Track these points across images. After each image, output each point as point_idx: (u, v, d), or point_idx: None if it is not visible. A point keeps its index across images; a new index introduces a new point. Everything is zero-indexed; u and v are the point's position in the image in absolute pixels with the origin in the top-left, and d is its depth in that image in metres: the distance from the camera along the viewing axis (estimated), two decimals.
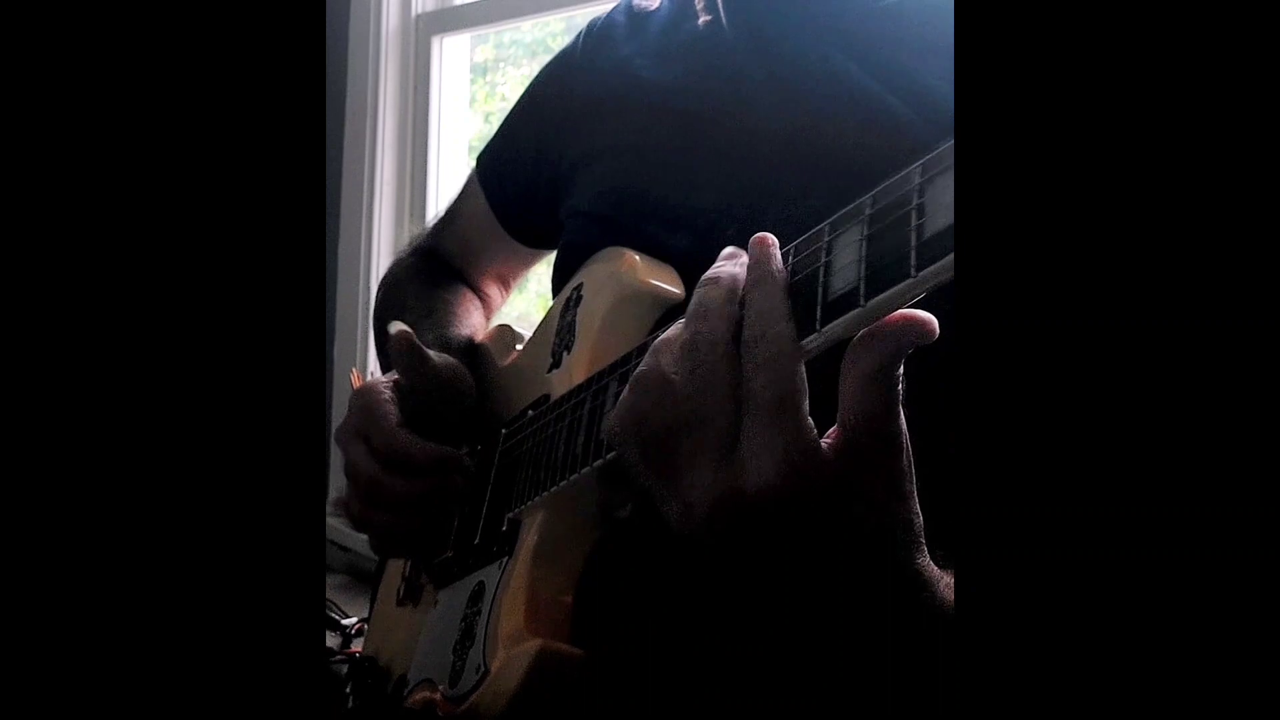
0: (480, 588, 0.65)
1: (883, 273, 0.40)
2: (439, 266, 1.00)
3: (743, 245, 0.48)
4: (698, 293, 0.46)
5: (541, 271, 1.03)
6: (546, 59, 0.94)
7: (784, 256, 0.46)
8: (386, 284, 1.00)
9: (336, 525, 1.64)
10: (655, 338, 0.50)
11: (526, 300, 1.60)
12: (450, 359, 0.78)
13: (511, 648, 0.57)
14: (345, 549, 1.65)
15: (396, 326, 0.74)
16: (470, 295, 0.97)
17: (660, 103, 0.76)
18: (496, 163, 0.94)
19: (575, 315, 0.69)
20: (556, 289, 0.79)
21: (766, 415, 0.42)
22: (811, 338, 0.42)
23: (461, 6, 1.84)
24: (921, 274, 0.38)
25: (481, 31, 1.87)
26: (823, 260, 0.43)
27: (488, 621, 0.61)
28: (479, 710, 0.58)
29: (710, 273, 0.47)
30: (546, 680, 0.55)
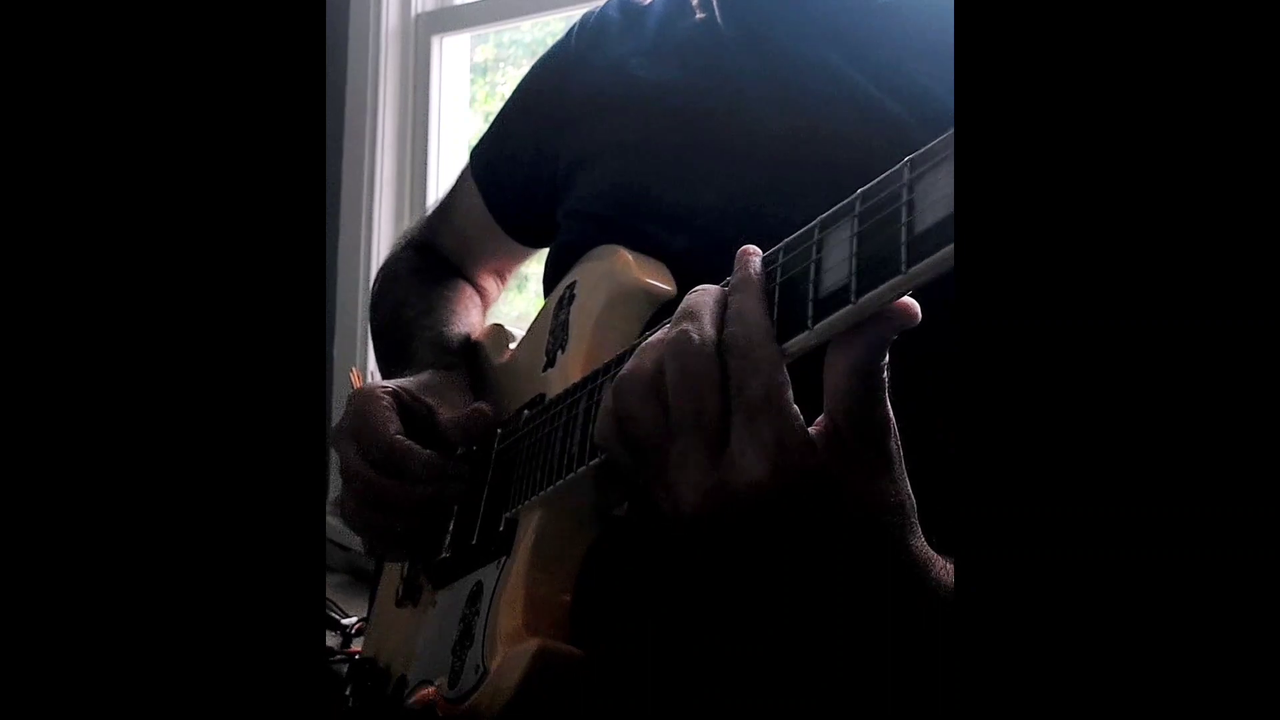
0: (479, 588, 0.65)
1: (873, 270, 0.40)
2: (435, 261, 0.99)
3: (738, 245, 0.49)
4: (686, 298, 0.47)
5: (541, 271, 1.03)
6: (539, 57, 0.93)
7: (775, 255, 0.46)
8: (383, 279, 1.00)
9: (336, 525, 1.63)
10: (648, 335, 0.51)
11: (525, 300, 1.60)
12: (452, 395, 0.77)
13: (510, 647, 0.57)
14: (345, 549, 1.65)
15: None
16: (469, 291, 0.96)
17: (657, 102, 0.76)
18: (492, 161, 0.94)
19: (568, 314, 0.69)
20: (550, 289, 0.79)
21: (753, 411, 0.43)
22: (803, 335, 0.43)
23: (461, 6, 1.84)
24: (911, 270, 0.38)
25: (481, 31, 1.87)
26: (813, 258, 0.44)
27: (486, 621, 0.61)
28: (479, 710, 0.58)
29: (696, 287, 0.48)
30: (545, 680, 0.55)
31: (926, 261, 0.38)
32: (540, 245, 0.95)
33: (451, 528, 0.73)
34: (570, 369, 0.66)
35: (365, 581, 1.54)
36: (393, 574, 0.85)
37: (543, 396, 0.68)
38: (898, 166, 0.41)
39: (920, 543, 0.46)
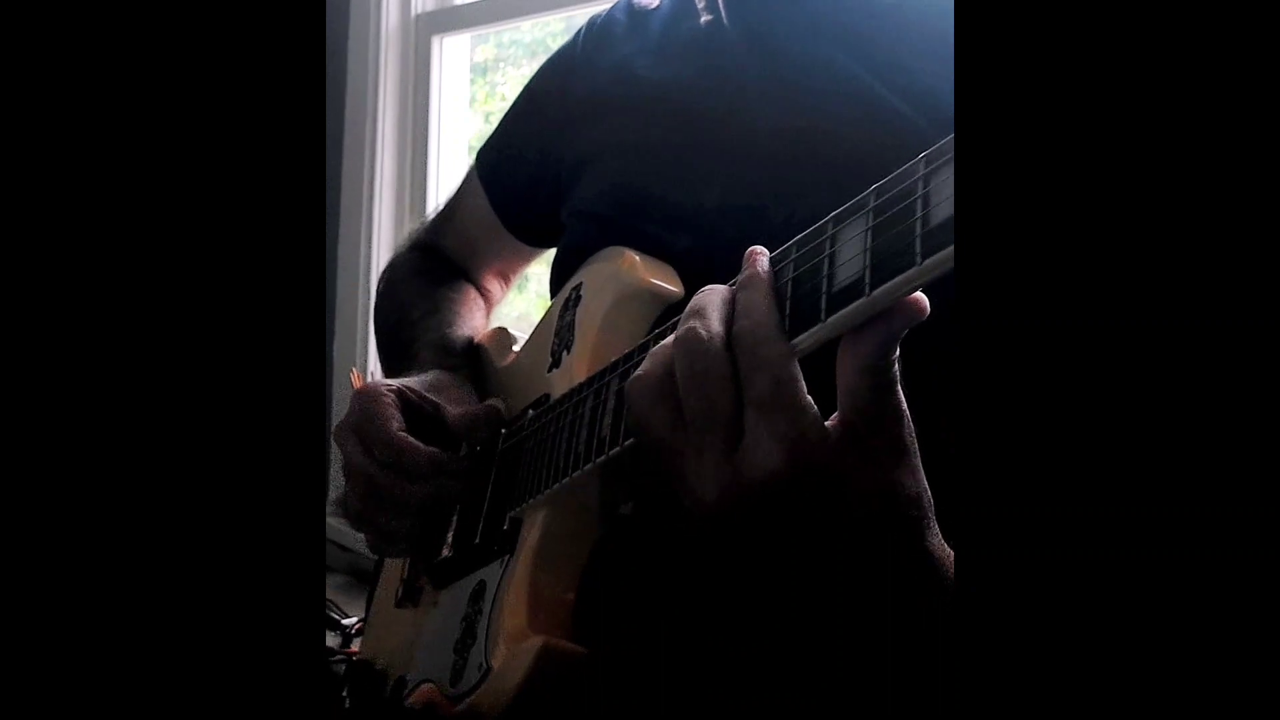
0: (481, 586, 0.65)
1: (888, 263, 0.40)
2: (440, 263, 0.99)
3: (744, 244, 0.49)
4: (695, 297, 0.47)
5: (541, 272, 1.03)
6: (546, 59, 0.93)
7: (787, 252, 0.47)
8: (387, 280, 1.00)
9: (336, 525, 1.64)
10: (655, 336, 0.51)
11: (526, 300, 1.60)
12: (459, 393, 0.77)
13: (514, 646, 0.57)
14: (345, 549, 1.65)
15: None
16: (473, 292, 0.96)
17: (661, 102, 0.76)
18: (497, 161, 0.94)
19: (575, 315, 0.69)
20: (555, 289, 0.79)
21: (765, 405, 0.43)
22: (816, 328, 0.43)
23: (461, 6, 1.84)
24: (927, 262, 0.38)
25: (481, 31, 1.87)
26: (827, 252, 0.44)
27: (489, 620, 0.61)
28: (480, 708, 0.58)
29: (709, 286, 0.48)
30: (549, 678, 0.55)
31: (942, 254, 0.38)
32: (544, 246, 0.95)
33: (454, 527, 0.73)
34: (576, 369, 0.66)
35: (366, 582, 1.54)
36: (392, 576, 0.84)
37: (547, 396, 0.68)
38: (913, 162, 0.41)
39: (938, 539, 0.47)
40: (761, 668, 0.56)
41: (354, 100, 1.86)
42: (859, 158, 0.64)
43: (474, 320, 0.91)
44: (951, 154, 0.39)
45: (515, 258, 0.99)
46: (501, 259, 0.99)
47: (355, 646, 1.32)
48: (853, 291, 0.42)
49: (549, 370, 0.70)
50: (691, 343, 0.45)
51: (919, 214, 0.39)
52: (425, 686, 0.67)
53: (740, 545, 0.47)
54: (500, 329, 0.89)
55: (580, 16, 0.96)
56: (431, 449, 0.69)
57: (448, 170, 1.85)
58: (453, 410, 0.72)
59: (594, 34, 0.87)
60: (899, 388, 0.43)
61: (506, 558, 0.64)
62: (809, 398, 0.44)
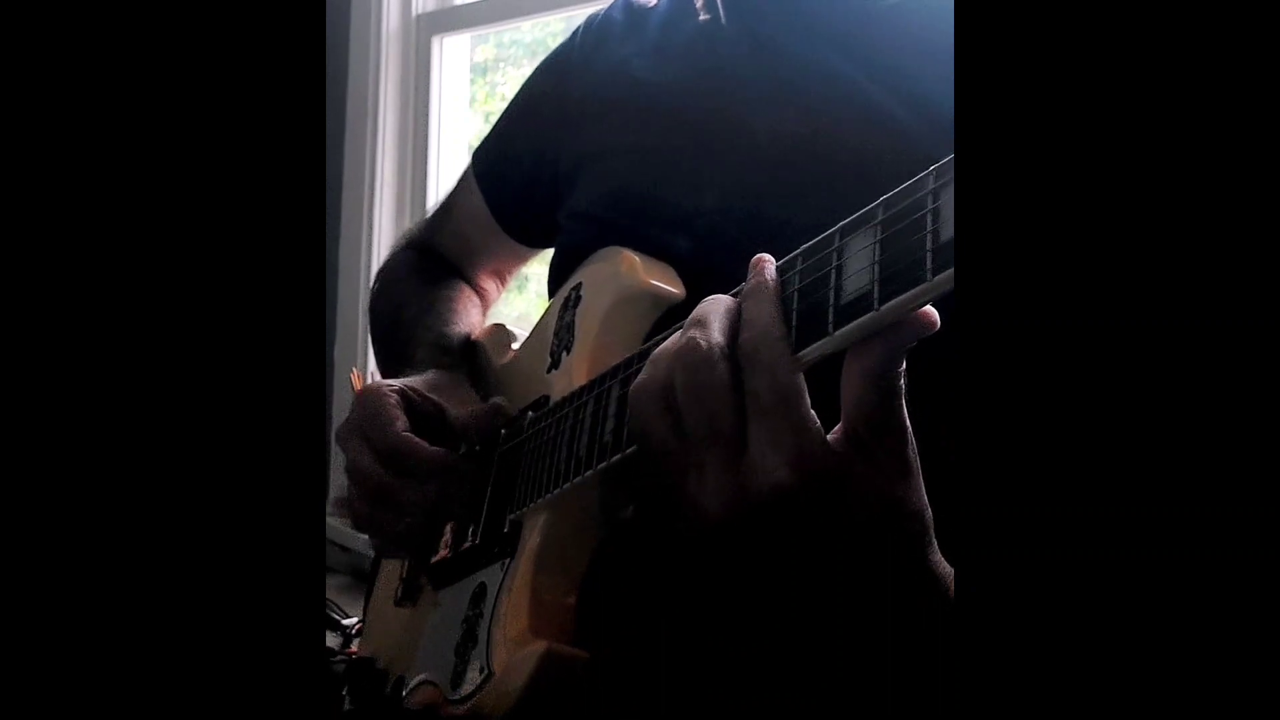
0: (482, 589, 0.65)
1: (897, 277, 0.40)
2: (436, 262, 0.99)
3: (742, 246, 0.49)
4: (698, 307, 0.47)
5: (541, 271, 1.03)
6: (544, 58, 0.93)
7: (793, 262, 0.46)
8: (383, 279, 1.00)
9: (336, 525, 1.64)
10: (655, 338, 0.50)
11: (526, 300, 1.60)
12: (465, 395, 0.77)
13: (516, 650, 0.57)
14: (346, 549, 1.65)
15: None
16: (469, 291, 0.96)
17: (659, 103, 0.76)
18: (494, 162, 0.94)
19: (574, 316, 0.69)
20: (554, 290, 0.79)
21: (769, 416, 0.43)
22: (822, 341, 0.43)
23: (461, 6, 1.84)
24: (937, 278, 0.38)
25: (481, 31, 1.87)
26: (834, 264, 0.44)
27: (490, 623, 0.61)
28: (481, 712, 0.58)
29: (714, 296, 0.48)
30: (551, 682, 0.55)
31: (952, 270, 0.38)
32: (541, 246, 0.95)
33: (452, 527, 0.73)
34: (575, 371, 0.65)
35: (365, 582, 1.54)
36: (391, 574, 0.84)
37: (546, 398, 0.68)
38: (922, 175, 0.41)
39: (938, 555, 0.47)
40: (762, 674, 0.56)
41: (354, 100, 1.86)
42: (856, 162, 0.64)
43: (470, 318, 0.91)
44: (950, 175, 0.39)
45: (511, 257, 0.99)
46: (497, 258, 0.99)
47: (355, 646, 1.32)
48: (861, 305, 0.41)
49: (548, 371, 0.70)
50: (691, 354, 0.45)
51: (929, 228, 0.39)
52: (426, 688, 0.67)
53: (743, 557, 0.47)
54: (498, 326, 0.89)
55: (580, 17, 0.96)
56: (437, 449, 0.69)
57: (448, 170, 1.85)
58: (455, 411, 0.72)
59: (591, 34, 0.87)
60: (903, 401, 0.43)
61: (507, 560, 0.63)
62: (812, 411, 0.43)
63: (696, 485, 0.45)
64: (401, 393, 0.72)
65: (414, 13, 1.88)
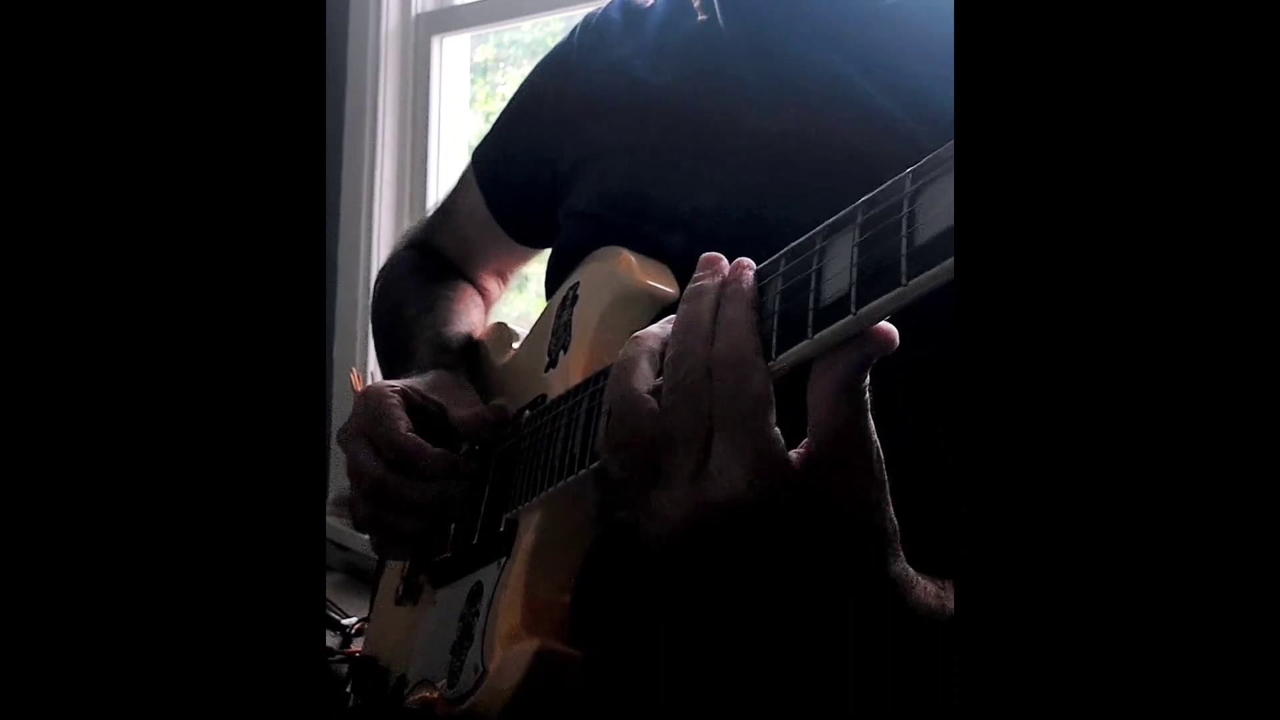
0: (478, 588, 0.65)
1: (873, 281, 0.40)
2: (437, 261, 0.99)
3: (740, 246, 0.49)
4: (682, 308, 0.47)
5: (541, 271, 1.03)
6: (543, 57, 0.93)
7: (775, 265, 0.47)
8: (384, 279, 1.00)
9: (336, 525, 1.64)
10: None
11: (526, 300, 1.60)
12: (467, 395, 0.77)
13: (509, 648, 0.57)
14: (345, 549, 1.65)
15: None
16: (470, 290, 0.96)
17: (658, 103, 0.76)
18: (493, 162, 0.94)
19: (571, 315, 0.69)
20: (551, 290, 0.79)
21: (734, 429, 0.43)
22: (800, 345, 0.43)
23: (461, 6, 1.84)
24: (912, 282, 0.38)
25: (481, 31, 1.87)
26: (814, 267, 0.44)
27: (486, 622, 0.61)
28: (477, 710, 0.58)
29: (693, 286, 0.48)
30: (544, 681, 0.55)
31: (927, 274, 0.38)
32: (540, 246, 0.95)
33: (452, 527, 0.73)
34: (572, 370, 0.66)
35: (365, 582, 1.54)
36: (393, 573, 0.85)
37: (544, 397, 0.68)
38: (899, 177, 0.41)
39: (901, 564, 0.47)
40: (734, 677, 0.56)
41: (354, 100, 1.86)
42: (854, 161, 0.64)
43: (471, 317, 0.91)
44: (937, 170, 0.39)
45: (511, 257, 0.99)
46: (498, 258, 0.99)
47: (355, 646, 1.32)
48: (838, 309, 0.42)
49: (545, 370, 0.70)
50: (683, 358, 0.45)
51: (904, 232, 0.39)
52: (425, 687, 0.67)
53: (703, 564, 0.47)
54: (500, 324, 0.89)
55: (580, 17, 0.96)
56: (440, 450, 0.69)
57: (448, 170, 1.85)
58: (456, 411, 0.72)
59: (589, 33, 0.87)
60: (869, 415, 0.44)
61: (503, 560, 0.64)
62: (775, 427, 0.44)
63: (661, 493, 0.46)
64: (403, 393, 0.72)
65: (414, 13, 1.88)
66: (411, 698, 0.69)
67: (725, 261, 0.48)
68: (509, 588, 0.60)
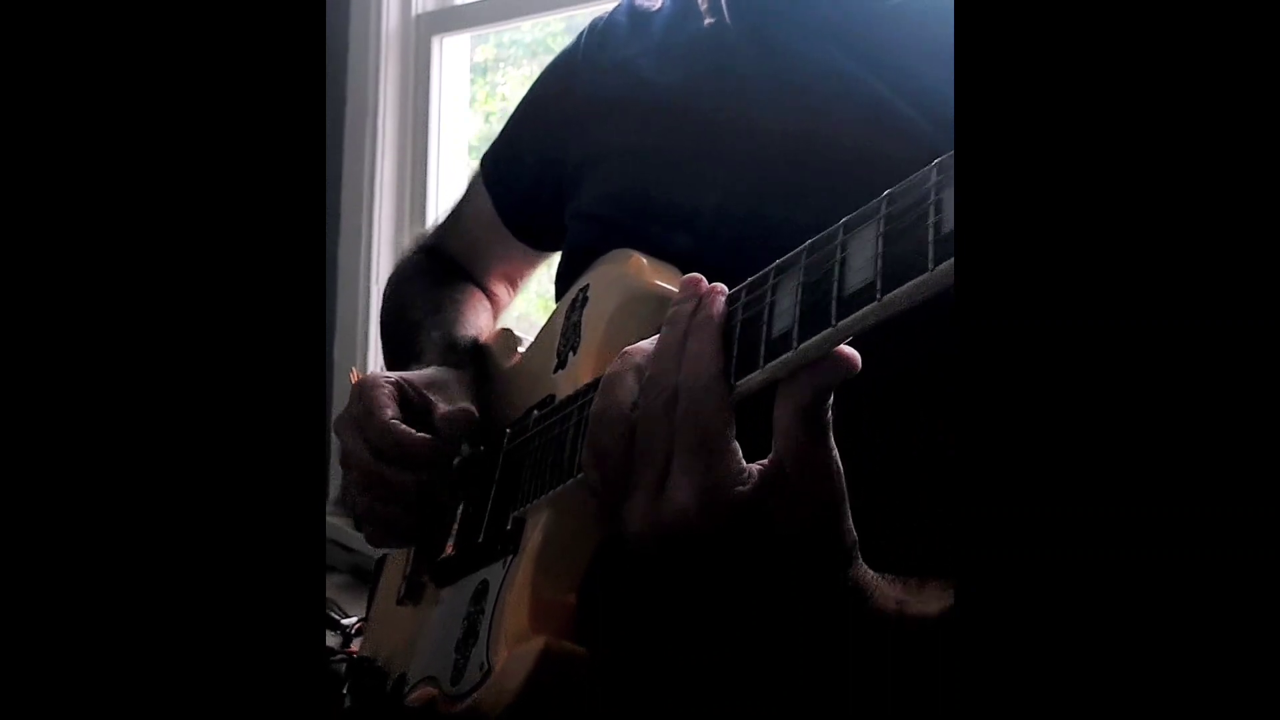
0: (484, 586, 0.65)
1: (811, 317, 0.43)
2: (446, 266, 1.00)
3: (746, 246, 0.49)
4: (662, 331, 0.50)
5: (541, 272, 1.03)
6: (547, 59, 0.94)
7: (745, 288, 0.48)
8: (393, 282, 1.01)
9: (337, 525, 1.64)
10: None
11: (526, 301, 1.60)
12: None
13: (515, 646, 0.57)
14: (346, 549, 1.65)
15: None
16: (478, 294, 0.97)
17: (664, 104, 0.76)
18: (501, 165, 0.94)
19: (581, 316, 0.69)
20: (560, 291, 0.79)
21: (691, 452, 0.46)
22: (756, 374, 0.44)
23: (461, 6, 1.84)
24: (887, 296, 0.40)
25: (481, 31, 1.87)
26: (768, 301, 0.46)
27: (491, 620, 0.61)
28: (481, 708, 0.58)
29: (672, 310, 0.50)
30: (550, 679, 0.55)
31: (903, 289, 0.39)
32: (548, 249, 0.95)
33: (457, 525, 0.73)
34: (581, 371, 0.66)
35: (366, 581, 1.54)
36: (394, 572, 0.85)
37: (553, 397, 0.69)
38: (881, 197, 0.43)
39: (860, 573, 0.49)
40: (720, 679, 0.58)
41: (354, 100, 1.86)
42: (863, 161, 0.64)
43: (479, 320, 0.92)
44: (881, 211, 0.41)
45: (520, 261, 0.99)
46: (506, 262, 0.99)
47: (355, 646, 1.31)
48: (784, 343, 0.44)
49: (555, 371, 0.71)
50: (657, 380, 0.48)
51: (877, 251, 0.41)
52: (427, 685, 0.67)
53: (672, 577, 0.50)
54: (505, 330, 0.89)
55: (580, 17, 0.96)
56: (422, 436, 0.70)
57: (448, 170, 1.85)
58: (441, 407, 0.73)
59: (596, 36, 0.88)
60: (830, 437, 0.45)
61: (509, 558, 0.64)
62: (735, 449, 0.46)
63: (628, 506, 0.48)
64: (397, 384, 0.73)
65: (414, 13, 1.88)
66: (412, 695, 0.69)
67: (705, 284, 0.50)
68: (515, 586, 0.60)
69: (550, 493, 0.61)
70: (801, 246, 0.46)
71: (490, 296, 0.99)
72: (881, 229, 0.41)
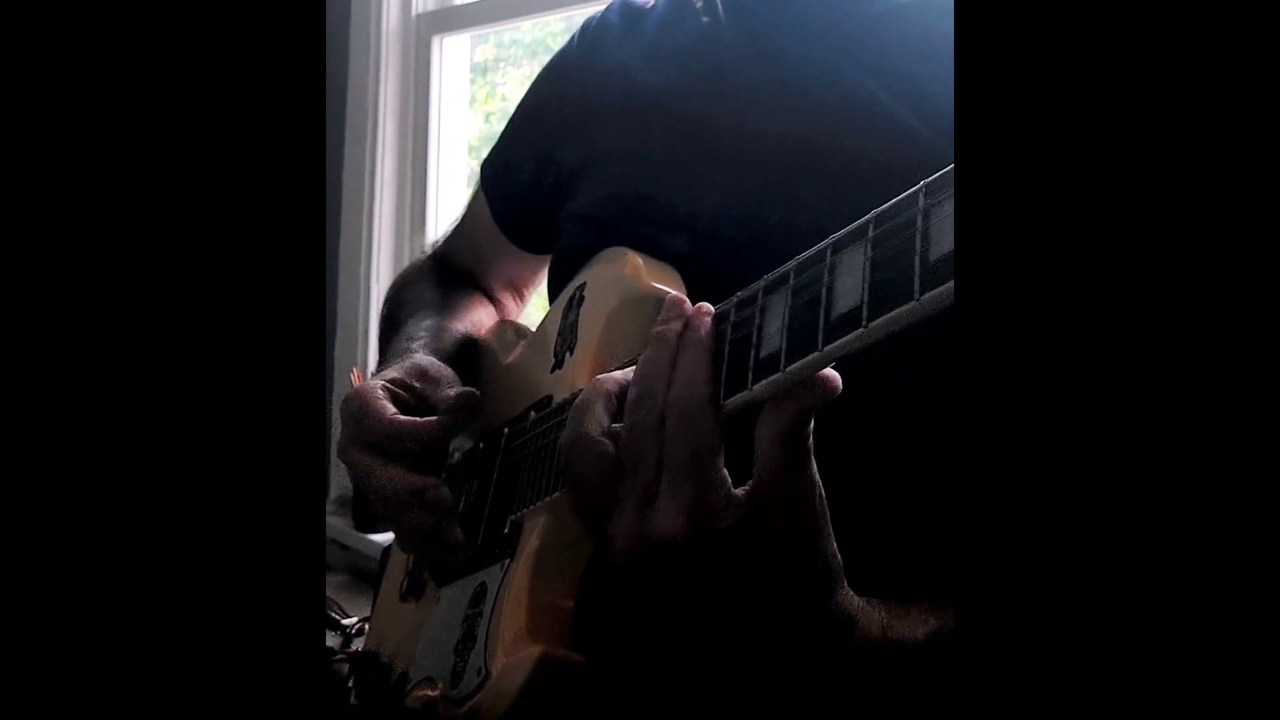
0: (482, 589, 0.65)
1: (797, 340, 0.43)
2: (451, 270, 1.00)
3: (741, 248, 0.49)
4: (646, 352, 0.50)
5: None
6: (546, 59, 0.93)
7: (729, 310, 0.48)
8: (396, 285, 1.01)
9: (337, 525, 1.64)
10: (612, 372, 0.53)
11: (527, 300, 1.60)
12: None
13: (513, 653, 0.57)
14: (345, 548, 1.65)
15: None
16: (480, 297, 0.96)
17: (659, 106, 0.76)
18: (498, 170, 0.94)
19: (577, 316, 0.69)
20: (554, 292, 0.79)
21: (680, 471, 0.46)
22: (777, 374, 0.44)
23: (461, 6, 1.84)
24: (873, 323, 0.40)
25: (481, 31, 1.87)
26: (757, 323, 0.46)
27: (489, 624, 0.61)
28: (480, 713, 0.58)
29: (656, 330, 0.50)
30: (547, 686, 0.55)
31: (890, 315, 0.39)
32: (546, 252, 0.95)
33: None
34: (578, 372, 0.66)
35: (365, 581, 1.54)
36: (397, 568, 0.85)
37: (550, 398, 0.68)
38: (868, 218, 0.43)
39: (843, 596, 0.49)
40: (731, 683, 0.58)
41: (354, 100, 1.86)
42: (860, 164, 0.64)
43: (474, 316, 0.91)
44: (866, 237, 0.41)
45: (523, 267, 0.98)
46: (509, 268, 0.98)
47: (355, 646, 1.32)
48: (771, 365, 0.44)
49: (551, 371, 0.70)
50: (642, 399, 0.48)
51: (867, 275, 0.41)
52: (425, 686, 0.67)
53: (648, 594, 0.51)
54: (506, 322, 0.89)
55: (580, 17, 0.96)
56: (430, 419, 0.68)
57: (448, 170, 1.85)
58: (441, 393, 0.71)
59: (588, 38, 0.87)
60: (812, 459, 0.46)
61: (507, 561, 0.64)
62: (723, 471, 0.46)
63: (612, 523, 0.49)
64: (384, 387, 0.71)
65: (414, 13, 1.88)
66: (413, 695, 0.69)
67: (689, 305, 0.50)
68: (513, 591, 0.60)
69: (547, 498, 0.61)
70: (789, 265, 0.46)
71: (496, 304, 0.98)
72: (869, 253, 0.41)
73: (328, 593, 1.49)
